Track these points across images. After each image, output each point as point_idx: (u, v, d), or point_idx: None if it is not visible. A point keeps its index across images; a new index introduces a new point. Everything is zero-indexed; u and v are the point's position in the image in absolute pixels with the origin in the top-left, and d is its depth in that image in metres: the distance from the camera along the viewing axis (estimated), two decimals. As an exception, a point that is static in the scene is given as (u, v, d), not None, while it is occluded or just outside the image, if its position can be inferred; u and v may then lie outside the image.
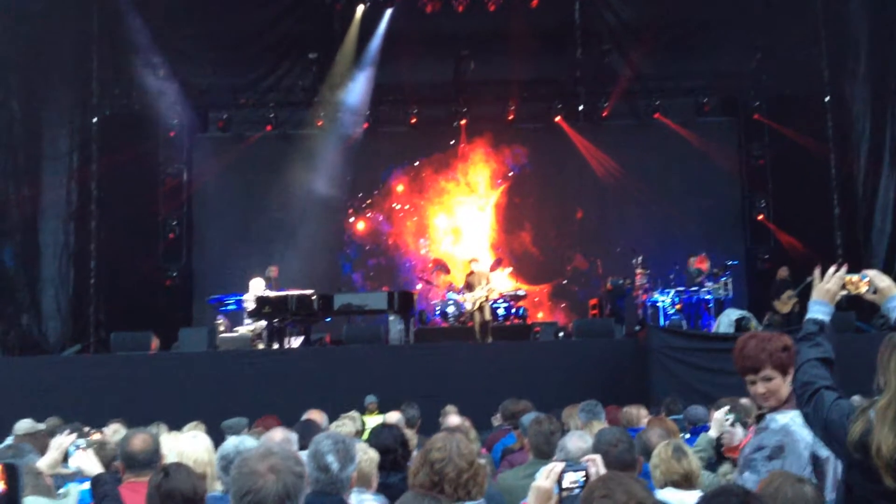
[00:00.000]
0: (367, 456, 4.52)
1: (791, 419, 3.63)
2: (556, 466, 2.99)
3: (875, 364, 3.00)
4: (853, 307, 12.13)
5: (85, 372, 13.23)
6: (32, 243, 16.65)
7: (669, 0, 17.39)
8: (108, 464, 5.38)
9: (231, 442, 4.66)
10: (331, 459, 3.67)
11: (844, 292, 3.45)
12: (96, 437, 6.23)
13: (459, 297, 16.24)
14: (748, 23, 17.65)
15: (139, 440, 4.56)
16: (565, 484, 2.95)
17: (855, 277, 3.44)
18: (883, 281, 3.42)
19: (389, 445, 4.97)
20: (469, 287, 15.87)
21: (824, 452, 3.50)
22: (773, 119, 18.63)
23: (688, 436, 6.77)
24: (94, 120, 17.93)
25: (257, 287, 14.80)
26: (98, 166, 17.70)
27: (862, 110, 17.04)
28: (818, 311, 3.43)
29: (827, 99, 18.07)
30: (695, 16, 17.53)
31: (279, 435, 5.13)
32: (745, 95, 18.98)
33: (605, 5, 18.36)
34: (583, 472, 2.97)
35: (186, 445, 4.70)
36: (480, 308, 15.48)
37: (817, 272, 3.51)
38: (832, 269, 3.48)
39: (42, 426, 8.16)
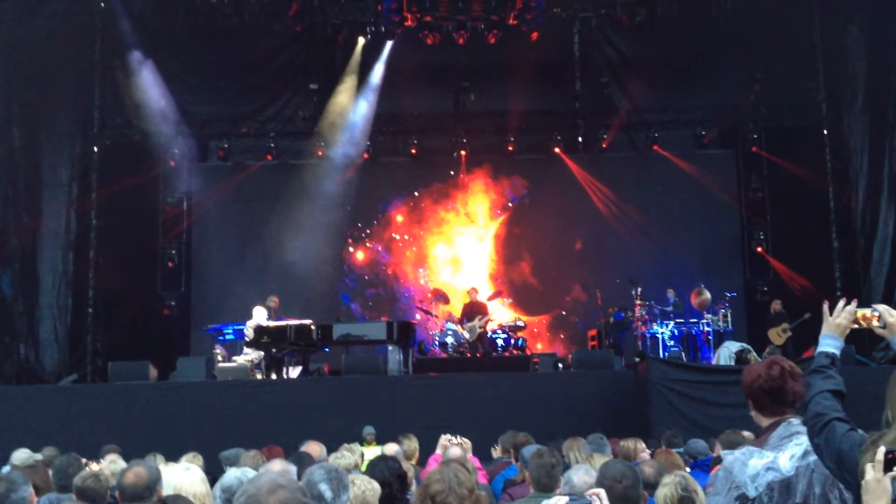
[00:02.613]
0: (371, 486, 4.48)
1: (735, 457, 3.67)
2: (559, 500, 2.97)
3: (875, 396, 3.01)
4: (852, 340, 12.10)
5: (82, 401, 13.16)
6: (31, 271, 16.65)
7: (668, 33, 17.54)
8: (104, 494, 5.35)
9: (233, 473, 4.61)
10: (324, 488, 3.65)
11: (855, 326, 3.47)
12: (93, 467, 6.18)
13: (458, 328, 16.26)
14: (746, 56, 17.79)
15: (132, 474, 4.50)
16: None
17: (867, 312, 3.46)
18: (893, 316, 3.44)
19: (385, 479, 4.92)
20: (468, 317, 15.95)
21: (752, 493, 3.54)
22: (771, 151, 18.71)
23: (688, 469, 6.72)
24: (95, 149, 18.01)
25: (259, 315, 14.77)
26: (98, 195, 17.76)
27: (860, 143, 17.13)
28: (829, 344, 3.45)
29: (825, 131, 18.17)
30: (693, 49, 17.68)
31: (277, 466, 5.09)
32: (743, 128, 19.07)
33: (605, 38, 18.55)
34: None
35: (182, 478, 4.65)
36: (479, 338, 15.55)
37: (826, 307, 3.54)
38: (842, 303, 3.51)
39: (39, 456, 8.10)
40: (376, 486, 4.55)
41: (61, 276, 16.93)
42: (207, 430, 11.90)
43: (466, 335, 15.97)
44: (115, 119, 18.19)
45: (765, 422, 3.85)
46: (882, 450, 2.77)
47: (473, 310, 16.30)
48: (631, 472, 4.39)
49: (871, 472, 2.79)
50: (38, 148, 16.97)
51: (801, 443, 3.62)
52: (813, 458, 3.58)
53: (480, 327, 15.92)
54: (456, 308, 17.30)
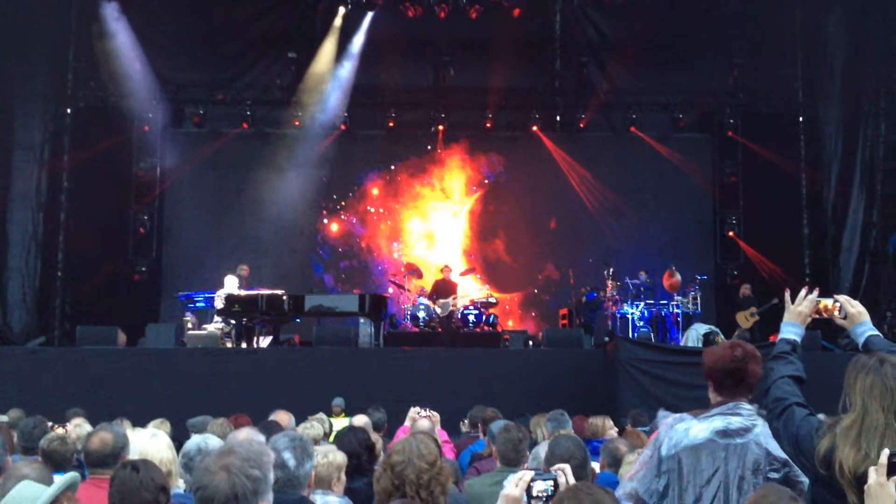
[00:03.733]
0: (325, 460, 4.48)
1: (671, 419, 3.84)
2: (525, 474, 2.99)
3: (840, 383, 3.06)
4: (818, 327, 12.27)
5: (49, 365, 13.08)
6: (1, 233, 16.48)
7: (649, 16, 17.53)
8: (70, 457, 5.33)
9: (194, 440, 4.61)
10: (287, 456, 3.67)
11: (816, 316, 3.53)
12: (59, 431, 6.16)
13: (430, 303, 16.30)
14: (726, 41, 17.83)
15: (98, 439, 4.49)
16: (534, 492, 2.95)
17: (828, 303, 3.52)
18: (853, 307, 3.50)
19: (353, 449, 4.94)
20: (439, 295, 16.00)
21: (665, 451, 3.72)
22: (746, 137, 18.82)
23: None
24: (68, 111, 17.76)
25: (231, 284, 14.70)
26: (70, 158, 17.54)
27: (834, 131, 17.30)
28: (790, 331, 3.52)
29: (801, 119, 18.31)
30: (673, 32, 17.70)
31: (244, 434, 5.08)
32: (720, 113, 19.15)
33: (586, 18, 18.49)
34: (552, 482, 2.97)
35: (149, 444, 4.64)
36: (450, 316, 15.64)
37: (787, 295, 3.59)
38: (803, 291, 3.57)
39: (4, 418, 8.06)
40: (333, 457, 4.54)
41: (31, 238, 16.77)
42: (175, 397, 11.87)
43: (438, 311, 16.01)
44: (90, 82, 17.93)
45: (717, 399, 3.90)
46: (886, 452, 2.71)
47: (444, 287, 16.34)
48: (580, 451, 4.43)
49: (875, 476, 2.71)
50: (11, 108, 16.73)
51: (730, 421, 3.69)
52: (741, 440, 3.65)
53: (452, 305, 15.97)
54: (429, 283, 17.32)
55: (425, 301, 16.51)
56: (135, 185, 18.54)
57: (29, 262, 16.66)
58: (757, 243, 18.41)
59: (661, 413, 3.98)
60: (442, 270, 16.79)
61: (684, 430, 3.73)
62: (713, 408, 3.84)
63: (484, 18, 17.64)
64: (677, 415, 3.88)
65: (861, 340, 3.47)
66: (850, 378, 3.04)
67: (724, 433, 3.68)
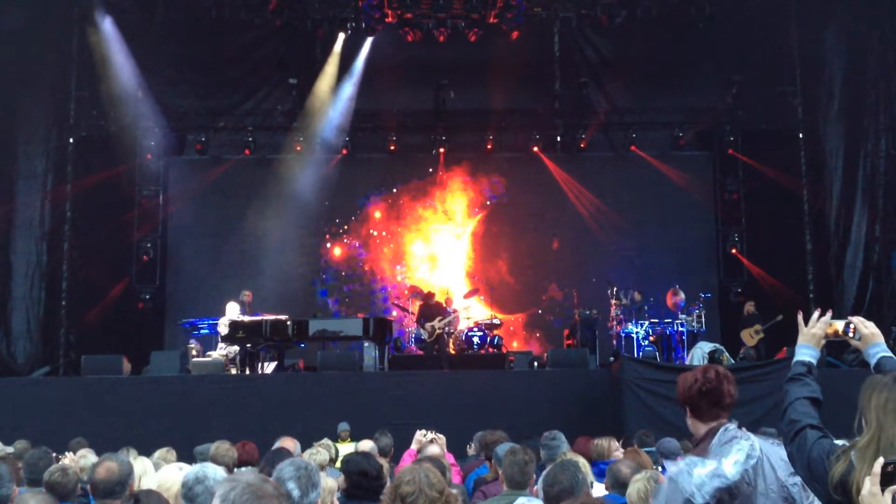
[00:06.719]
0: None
1: (680, 468, 3.61)
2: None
3: (848, 400, 3.04)
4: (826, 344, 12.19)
5: (54, 394, 13.07)
6: (4, 262, 16.54)
7: (647, 35, 17.62)
8: (73, 488, 5.31)
9: (192, 470, 4.58)
10: (291, 486, 3.61)
11: (831, 337, 3.52)
12: (66, 459, 6.14)
13: (420, 328, 16.27)
14: (724, 58, 17.90)
15: (104, 469, 4.47)
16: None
17: (841, 324, 3.51)
18: (866, 328, 3.48)
19: (364, 472, 4.92)
20: (425, 318, 15.98)
21: (700, 500, 3.46)
22: (747, 154, 18.85)
23: (660, 468, 6.76)
24: (71, 140, 17.85)
25: (233, 311, 14.70)
26: (73, 187, 17.62)
27: (835, 147, 17.32)
28: (805, 353, 3.50)
29: (801, 135, 18.35)
30: (671, 51, 17.78)
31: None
32: (720, 130, 19.17)
33: (585, 39, 18.61)
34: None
35: (176, 476, 4.62)
36: (437, 339, 15.60)
37: (800, 317, 3.58)
38: (816, 313, 3.55)
39: (10, 449, 8.03)
40: (325, 483, 4.50)
41: (35, 267, 16.80)
42: (181, 424, 11.85)
43: (424, 335, 16.01)
44: (92, 110, 18.02)
45: (702, 428, 3.82)
46: (880, 461, 2.61)
47: (429, 311, 16.31)
48: (580, 481, 4.40)
49: (868, 486, 2.62)
50: (14, 138, 16.84)
51: (742, 448, 3.60)
52: (753, 460, 3.56)
53: (438, 328, 15.91)
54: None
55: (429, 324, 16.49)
56: (138, 213, 18.56)
57: (33, 292, 16.69)
58: (760, 260, 18.39)
59: (668, 464, 3.83)
60: (425, 296, 16.77)
61: (712, 471, 3.60)
62: (708, 440, 3.75)
63: (483, 41, 17.72)
64: (686, 460, 3.77)
65: (873, 362, 3.44)
66: (865, 396, 3.00)
67: (747, 459, 3.60)
